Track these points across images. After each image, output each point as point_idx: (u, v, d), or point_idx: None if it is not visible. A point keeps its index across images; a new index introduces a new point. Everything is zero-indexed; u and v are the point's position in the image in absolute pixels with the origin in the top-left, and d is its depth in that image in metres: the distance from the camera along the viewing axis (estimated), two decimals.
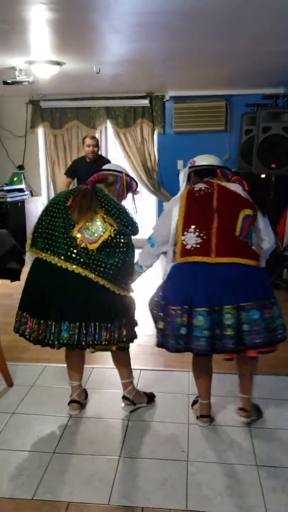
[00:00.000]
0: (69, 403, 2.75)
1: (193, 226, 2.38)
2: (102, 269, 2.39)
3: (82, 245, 2.41)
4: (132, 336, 2.57)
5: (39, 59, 4.44)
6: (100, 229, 2.44)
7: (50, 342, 2.43)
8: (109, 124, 6.71)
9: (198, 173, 2.60)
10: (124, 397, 2.77)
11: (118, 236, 2.45)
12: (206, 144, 6.00)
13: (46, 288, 2.44)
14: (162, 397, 2.92)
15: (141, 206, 7.04)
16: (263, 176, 5.30)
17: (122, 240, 2.46)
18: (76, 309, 2.40)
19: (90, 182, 2.57)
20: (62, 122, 6.75)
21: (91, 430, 2.60)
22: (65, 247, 2.41)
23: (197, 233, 2.36)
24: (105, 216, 2.46)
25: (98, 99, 6.54)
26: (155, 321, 2.51)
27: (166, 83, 6.01)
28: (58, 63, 4.54)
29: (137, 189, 2.77)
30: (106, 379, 3.10)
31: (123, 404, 2.77)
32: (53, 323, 2.41)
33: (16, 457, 2.35)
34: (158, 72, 5.30)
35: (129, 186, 2.67)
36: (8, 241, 2.67)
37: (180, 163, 6.58)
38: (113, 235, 2.43)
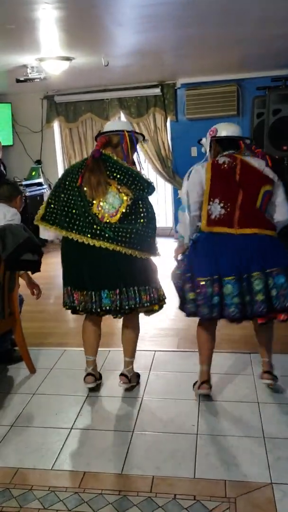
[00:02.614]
0: (84, 377, 2.87)
1: (218, 198, 2.51)
2: (127, 239, 2.52)
3: (105, 219, 2.54)
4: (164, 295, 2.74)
5: (49, 56, 4.57)
6: (117, 201, 2.54)
7: (94, 310, 2.62)
8: (122, 115, 6.81)
9: (220, 143, 2.63)
10: (123, 375, 2.87)
11: (136, 204, 2.56)
12: None
13: (80, 263, 2.61)
14: (174, 376, 3.05)
15: (157, 194, 7.12)
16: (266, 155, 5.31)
17: (140, 206, 2.57)
18: (112, 278, 2.58)
19: (96, 151, 2.59)
20: (76, 115, 6.89)
21: (106, 408, 2.75)
22: (89, 225, 2.54)
23: (222, 204, 2.50)
24: (119, 187, 2.55)
25: (110, 90, 6.64)
26: (182, 293, 2.64)
27: (177, 71, 6.06)
28: (67, 59, 4.66)
29: (145, 139, 2.84)
30: (122, 361, 3.23)
31: (120, 382, 2.86)
32: (93, 293, 2.60)
33: (36, 433, 2.53)
34: (167, 61, 5.36)
35: (133, 142, 2.66)
36: (22, 235, 2.80)
37: (194, 150, 6.62)
38: (130, 204, 2.54)
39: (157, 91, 6.52)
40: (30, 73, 5.10)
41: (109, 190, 2.55)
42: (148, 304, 2.64)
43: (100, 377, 2.98)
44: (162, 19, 3.59)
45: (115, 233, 2.52)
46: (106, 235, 2.52)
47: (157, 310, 2.77)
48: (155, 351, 3.37)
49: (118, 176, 2.55)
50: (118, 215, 2.54)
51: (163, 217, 7.25)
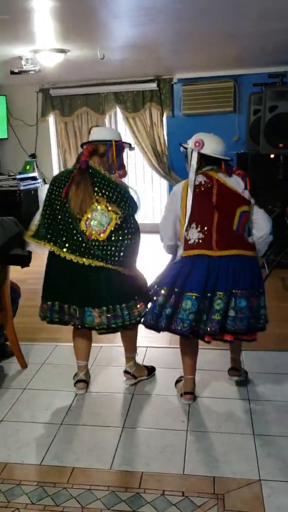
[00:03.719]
0: (75, 383, 2.86)
1: (194, 223, 2.50)
2: (115, 257, 2.51)
3: (92, 237, 2.52)
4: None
5: (44, 48, 4.52)
6: (105, 219, 2.52)
7: (76, 325, 2.62)
8: (118, 109, 6.77)
9: (204, 157, 2.57)
10: (125, 372, 2.91)
11: (124, 221, 2.54)
12: (215, 125, 5.97)
13: (66, 277, 2.58)
14: (166, 372, 3.05)
15: (152, 190, 7.11)
16: (271, 156, 5.30)
17: (128, 225, 2.56)
18: (99, 295, 2.55)
19: (83, 162, 2.55)
20: (72, 109, 6.84)
21: (97, 404, 2.75)
22: (77, 242, 2.52)
23: (199, 229, 2.49)
24: (108, 205, 2.52)
25: (106, 84, 6.59)
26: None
27: (173, 65, 6.02)
28: (62, 51, 4.62)
29: (132, 146, 2.80)
30: (113, 357, 3.24)
31: (124, 378, 2.91)
32: (77, 309, 2.57)
33: (26, 428, 2.52)
34: (164, 55, 5.32)
35: (119, 152, 2.64)
36: (13, 229, 2.78)
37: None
38: (119, 222, 2.53)
39: (153, 85, 6.49)
40: (24, 65, 5.04)
41: (98, 208, 2.52)
42: (139, 318, 2.63)
43: (89, 376, 2.95)
44: (158, 12, 3.56)
45: (103, 252, 2.51)
46: (95, 252, 2.50)
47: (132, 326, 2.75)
48: (147, 347, 3.37)
49: (107, 193, 2.52)
50: (107, 233, 2.52)
51: (158, 214, 7.23)
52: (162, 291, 2.52)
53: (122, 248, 2.53)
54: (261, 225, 2.57)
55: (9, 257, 2.82)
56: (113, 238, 2.52)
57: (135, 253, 2.62)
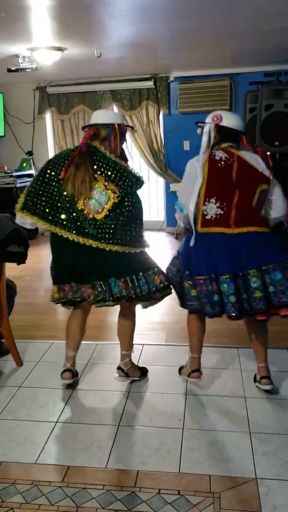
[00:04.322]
0: (62, 373, 2.82)
1: (214, 198, 2.47)
2: (109, 235, 2.49)
3: (90, 216, 2.50)
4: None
5: (41, 46, 4.51)
6: (104, 198, 2.50)
7: (106, 299, 2.55)
8: (115, 107, 6.76)
9: (222, 132, 2.53)
10: (119, 368, 2.88)
11: (122, 200, 2.52)
12: None
13: (76, 256, 2.55)
14: (162, 370, 3.04)
15: (149, 188, 7.10)
16: (267, 153, 5.30)
17: (126, 202, 2.53)
18: (114, 268, 2.52)
19: (83, 145, 2.53)
20: (68, 107, 6.83)
21: (92, 402, 2.74)
22: (74, 221, 2.50)
23: (218, 204, 2.46)
24: (106, 184, 2.50)
25: (103, 82, 6.59)
26: (182, 290, 2.64)
27: (170, 64, 6.02)
28: (59, 49, 4.61)
29: (134, 129, 2.78)
30: (109, 354, 3.23)
31: (117, 375, 2.87)
32: (100, 282, 2.54)
33: (21, 426, 2.50)
34: (160, 54, 5.31)
35: (122, 134, 2.61)
36: (8, 225, 2.77)
37: (186, 143, 6.61)
38: (117, 201, 2.50)
39: (150, 84, 6.48)
40: (21, 63, 5.03)
41: (95, 186, 2.49)
42: (163, 285, 2.60)
43: (77, 374, 2.91)
44: (155, 11, 3.55)
45: (98, 230, 2.49)
46: (90, 232, 2.48)
47: (161, 298, 2.71)
48: (143, 344, 3.36)
49: (106, 172, 2.50)
50: (104, 212, 2.50)
51: (155, 211, 7.23)
52: (202, 280, 2.48)
53: (117, 226, 2.50)
54: (278, 207, 2.54)
55: (5, 254, 2.80)
56: (110, 217, 2.50)
57: (133, 231, 2.55)
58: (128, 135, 2.75)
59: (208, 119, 2.55)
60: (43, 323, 3.84)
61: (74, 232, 2.50)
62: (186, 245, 2.59)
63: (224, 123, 2.51)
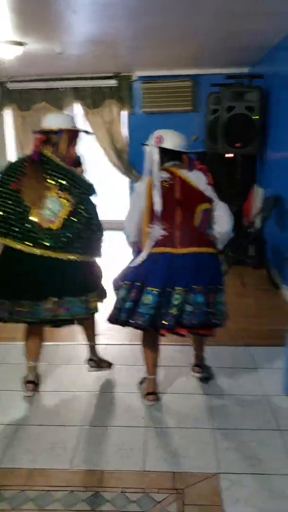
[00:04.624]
0: (25, 384, 2.78)
1: (158, 220, 2.49)
2: (67, 244, 2.48)
3: (44, 226, 2.46)
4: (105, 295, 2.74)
5: (0, 40, 4.41)
6: (57, 207, 2.47)
7: (28, 320, 2.55)
8: (77, 105, 6.69)
9: (164, 152, 2.57)
10: (90, 359, 2.95)
11: (77, 208, 2.50)
12: (175, 124, 5.89)
13: (15, 273, 2.51)
14: (126, 370, 3.04)
15: (113, 187, 7.08)
16: (230, 155, 5.39)
17: (81, 210, 2.51)
18: (52, 287, 2.51)
19: (35, 153, 2.49)
20: (30, 104, 6.70)
21: (56, 403, 2.71)
22: (27, 232, 2.46)
23: (162, 226, 2.49)
24: (59, 192, 2.47)
25: (65, 79, 6.50)
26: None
27: (133, 63, 6.01)
28: (20, 44, 4.52)
29: (88, 131, 2.77)
30: (71, 355, 3.21)
31: (88, 366, 2.94)
32: (30, 303, 2.51)
33: None
34: (123, 52, 5.29)
35: (73, 139, 2.60)
36: None
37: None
38: (72, 209, 2.48)
39: (113, 82, 6.45)
40: None
41: (48, 195, 2.47)
42: (92, 312, 2.64)
43: (38, 381, 2.86)
44: (117, 8, 3.53)
45: (55, 240, 2.46)
46: (46, 243, 2.46)
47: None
48: (107, 344, 3.35)
49: (58, 180, 2.48)
50: (59, 221, 2.47)
51: (119, 211, 7.20)
52: (124, 285, 2.52)
53: (75, 235, 2.49)
54: (222, 222, 2.58)
55: None
56: (65, 226, 2.48)
57: (91, 240, 2.57)
58: (90, 136, 2.73)
59: (151, 141, 2.57)
60: (3, 325, 3.75)
61: (27, 243, 2.46)
62: (131, 261, 2.61)
63: (165, 144, 2.54)
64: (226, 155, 5.33)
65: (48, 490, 2.02)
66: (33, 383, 2.78)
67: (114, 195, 7.13)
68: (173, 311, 2.41)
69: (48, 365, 3.05)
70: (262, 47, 4.93)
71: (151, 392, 2.70)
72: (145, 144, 2.64)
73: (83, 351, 3.06)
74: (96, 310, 2.66)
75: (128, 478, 2.11)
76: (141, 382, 2.83)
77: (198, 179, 2.54)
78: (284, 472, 2.14)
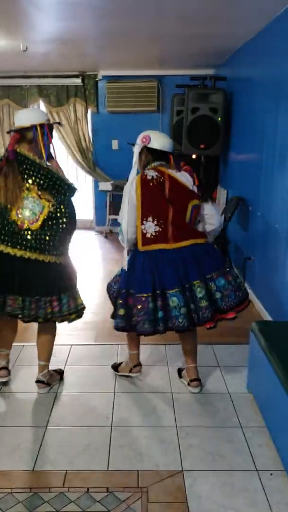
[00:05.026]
0: None
1: (151, 216, 2.54)
2: (49, 246, 2.47)
3: (25, 226, 2.45)
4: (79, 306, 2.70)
5: None
6: (38, 207, 2.46)
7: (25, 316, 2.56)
8: (41, 103, 6.62)
9: (152, 152, 2.61)
10: (38, 381, 2.77)
11: (57, 208, 2.49)
12: (139, 124, 5.98)
13: (5, 272, 2.49)
14: (91, 369, 3.04)
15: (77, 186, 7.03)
16: (193, 156, 5.46)
17: (62, 210, 2.50)
18: (29, 287, 2.50)
19: (10, 152, 2.45)
20: None
21: (18, 404, 2.68)
22: (9, 233, 2.43)
23: (155, 222, 2.54)
24: (39, 193, 2.46)
25: (29, 77, 6.41)
26: (115, 307, 2.71)
27: (98, 62, 5.99)
28: None
29: (61, 124, 2.79)
30: (35, 356, 3.16)
31: (38, 388, 2.77)
32: (28, 299, 2.52)
33: None
34: (88, 51, 5.27)
35: (47, 134, 2.54)
36: None
37: (115, 142, 6.63)
38: (52, 210, 2.47)
39: (78, 81, 6.42)
40: None
41: (29, 196, 2.45)
42: (65, 313, 2.61)
43: (9, 373, 2.87)
44: (82, 8, 3.52)
45: (36, 241, 2.45)
46: (28, 244, 2.45)
47: (75, 319, 2.70)
48: (71, 345, 3.34)
49: (38, 180, 2.45)
50: (40, 222, 2.46)
51: (84, 209, 7.17)
52: (144, 298, 2.53)
53: (57, 238, 2.49)
54: (211, 221, 2.68)
55: None
56: (46, 227, 2.47)
57: (68, 240, 2.60)
58: (54, 133, 2.71)
59: (138, 140, 2.62)
60: None
61: (9, 245, 2.44)
62: (130, 265, 2.64)
63: (153, 144, 2.59)
64: (192, 157, 5.38)
65: (11, 493, 2.00)
66: (6, 369, 2.80)
67: (78, 194, 7.08)
68: (203, 303, 2.52)
69: (13, 366, 3.01)
70: (225, 51, 5.02)
71: (137, 364, 2.89)
72: (132, 144, 2.66)
73: None
74: (70, 311, 2.62)
75: (93, 478, 2.11)
76: (116, 366, 2.97)
77: (185, 178, 2.60)
78: (245, 467, 2.19)
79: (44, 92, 6.51)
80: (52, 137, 2.62)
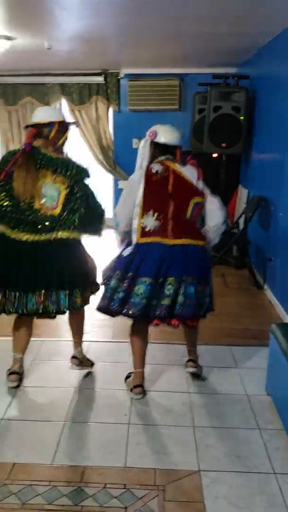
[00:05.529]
0: (8, 375, 2.80)
1: (151, 210, 2.53)
2: (70, 224, 2.52)
3: (48, 213, 2.51)
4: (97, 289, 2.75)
5: None
6: (55, 192, 2.52)
7: (20, 311, 2.58)
8: (64, 101, 6.66)
9: (158, 147, 2.62)
10: (73, 357, 2.92)
11: (73, 189, 2.53)
12: (160, 122, 6.00)
13: (16, 263, 2.53)
14: (109, 366, 3.06)
15: (97, 185, 7.06)
16: (215, 155, 5.44)
17: (77, 190, 2.55)
18: (46, 279, 2.54)
19: (27, 145, 2.55)
20: (16, 98, 6.65)
21: (38, 398, 2.71)
22: (29, 221, 2.49)
23: (155, 216, 2.53)
24: (54, 177, 2.52)
25: (52, 75, 6.46)
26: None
27: (120, 60, 6.01)
28: (8, 38, 4.48)
29: (76, 123, 2.85)
30: (55, 351, 3.22)
31: (71, 364, 2.91)
32: (22, 294, 2.53)
33: None
34: (110, 49, 5.29)
35: (64, 132, 2.64)
36: None
37: (135, 141, 6.63)
38: (68, 192, 2.52)
39: (100, 79, 6.44)
40: None
41: (44, 183, 2.51)
42: (81, 305, 2.67)
43: (23, 373, 2.88)
44: (104, 6, 3.54)
45: (58, 224, 2.51)
46: (51, 226, 2.49)
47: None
48: (90, 341, 3.36)
49: (51, 168, 2.52)
50: (59, 207, 2.52)
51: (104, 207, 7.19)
52: (115, 275, 2.54)
53: (76, 215, 2.53)
54: (213, 215, 2.64)
55: None
56: (66, 211, 2.52)
57: (94, 215, 2.63)
58: (75, 131, 2.76)
59: (146, 135, 2.63)
60: None
61: (29, 231, 2.49)
62: (121, 252, 2.64)
63: (159, 139, 2.59)
64: (213, 155, 5.36)
65: (30, 485, 2.03)
66: (17, 374, 2.80)
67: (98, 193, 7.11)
68: (166, 301, 2.47)
69: (33, 361, 3.05)
70: (249, 49, 4.98)
71: (138, 385, 2.73)
72: (139, 138, 2.68)
73: (67, 348, 3.06)
74: (79, 304, 2.66)
75: (110, 474, 2.13)
76: (127, 377, 2.86)
77: (190, 173, 2.60)
78: (263, 470, 2.18)
79: (67, 90, 6.55)
80: (67, 135, 2.67)
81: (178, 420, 2.54)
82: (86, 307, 2.82)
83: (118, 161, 6.76)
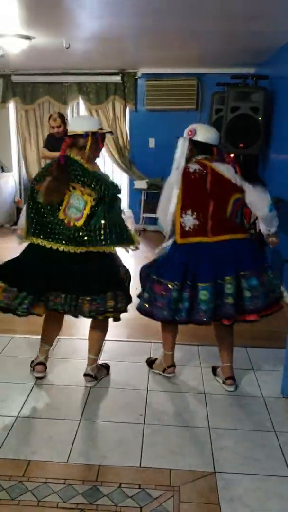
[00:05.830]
0: (34, 365, 2.84)
1: (190, 209, 2.55)
2: (99, 237, 2.49)
3: (72, 224, 2.51)
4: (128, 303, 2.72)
5: (8, 33, 4.40)
6: (82, 204, 2.51)
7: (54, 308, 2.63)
8: (81, 100, 6.69)
9: (196, 145, 2.62)
10: (87, 375, 2.82)
11: (99, 203, 2.52)
12: (177, 122, 5.94)
13: (45, 268, 2.56)
14: (124, 366, 3.06)
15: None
16: (231, 155, 5.39)
17: (104, 205, 2.51)
18: (76, 284, 2.56)
19: (62, 157, 2.55)
20: (33, 97, 6.70)
21: (54, 396, 2.72)
22: (60, 231, 2.51)
23: (194, 216, 2.54)
24: (82, 189, 2.51)
25: (70, 74, 6.50)
26: (143, 289, 2.74)
27: (138, 60, 6.01)
28: (27, 37, 4.51)
29: (112, 132, 2.89)
30: (71, 349, 3.23)
31: (85, 382, 2.81)
32: (72, 296, 2.57)
33: None
34: (128, 49, 5.30)
35: (97, 142, 2.60)
36: None
37: (151, 141, 6.63)
38: (94, 204, 2.51)
39: (117, 79, 6.45)
40: None
41: (73, 194, 2.52)
42: (111, 310, 2.63)
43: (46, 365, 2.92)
44: (122, 5, 3.54)
45: (82, 235, 2.49)
46: (80, 239, 2.49)
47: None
48: (105, 340, 3.35)
49: (82, 179, 2.52)
50: (84, 219, 2.50)
51: None
52: (171, 286, 2.54)
53: (101, 229, 2.49)
54: (257, 206, 2.61)
55: None
56: (91, 222, 2.50)
57: (118, 228, 2.54)
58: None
59: (184, 133, 2.64)
60: (0, 317, 3.76)
61: (63, 242, 2.51)
62: (168, 253, 2.65)
63: (197, 137, 2.60)
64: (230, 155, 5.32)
65: (46, 482, 2.04)
66: (43, 364, 2.85)
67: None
68: (229, 300, 2.50)
69: (49, 359, 3.06)
70: (267, 49, 4.95)
71: (171, 365, 2.86)
72: (178, 137, 2.67)
73: (83, 346, 3.04)
74: (92, 315, 2.63)
75: (125, 473, 2.12)
76: (151, 362, 2.98)
77: (228, 170, 2.60)
78: (280, 473, 2.16)
79: (84, 89, 6.58)
80: (103, 145, 2.67)
81: (194, 421, 2.53)
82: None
83: (134, 161, 6.76)
